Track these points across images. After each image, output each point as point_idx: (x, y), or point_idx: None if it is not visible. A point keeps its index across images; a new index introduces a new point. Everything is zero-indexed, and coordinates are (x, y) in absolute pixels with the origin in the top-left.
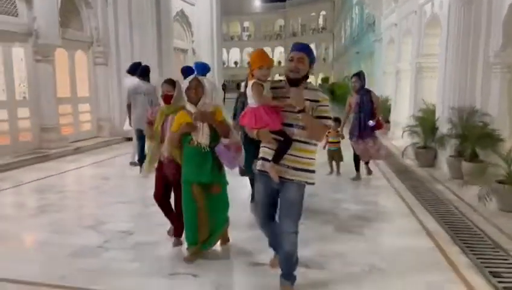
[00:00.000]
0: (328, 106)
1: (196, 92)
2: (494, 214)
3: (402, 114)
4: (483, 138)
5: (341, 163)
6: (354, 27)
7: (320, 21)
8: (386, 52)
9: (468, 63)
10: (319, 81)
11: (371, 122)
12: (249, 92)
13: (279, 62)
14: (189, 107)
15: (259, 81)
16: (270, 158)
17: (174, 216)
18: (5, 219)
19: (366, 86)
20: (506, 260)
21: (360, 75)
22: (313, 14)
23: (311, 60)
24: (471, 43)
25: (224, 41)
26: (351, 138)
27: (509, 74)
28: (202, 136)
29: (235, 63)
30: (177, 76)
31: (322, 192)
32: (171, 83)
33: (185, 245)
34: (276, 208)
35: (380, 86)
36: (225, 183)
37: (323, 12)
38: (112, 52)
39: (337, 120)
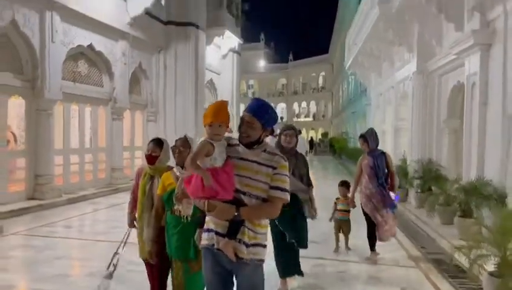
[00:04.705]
0: (286, 175)
1: (180, 152)
2: (437, 225)
3: None
4: (435, 179)
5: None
6: (350, 90)
7: (320, 81)
8: (375, 115)
9: (426, 126)
10: (319, 136)
11: (394, 195)
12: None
13: (282, 118)
14: (175, 168)
15: (209, 140)
16: (222, 231)
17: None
18: (105, 223)
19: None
20: (433, 242)
21: (365, 136)
22: (313, 74)
23: (265, 123)
24: (428, 113)
25: None
26: (368, 206)
27: (453, 135)
28: (185, 206)
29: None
30: None
31: None
32: (158, 143)
33: None
34: None
35: None
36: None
37: (322, 73)
38: (160, 112)
39: (344, 184)
